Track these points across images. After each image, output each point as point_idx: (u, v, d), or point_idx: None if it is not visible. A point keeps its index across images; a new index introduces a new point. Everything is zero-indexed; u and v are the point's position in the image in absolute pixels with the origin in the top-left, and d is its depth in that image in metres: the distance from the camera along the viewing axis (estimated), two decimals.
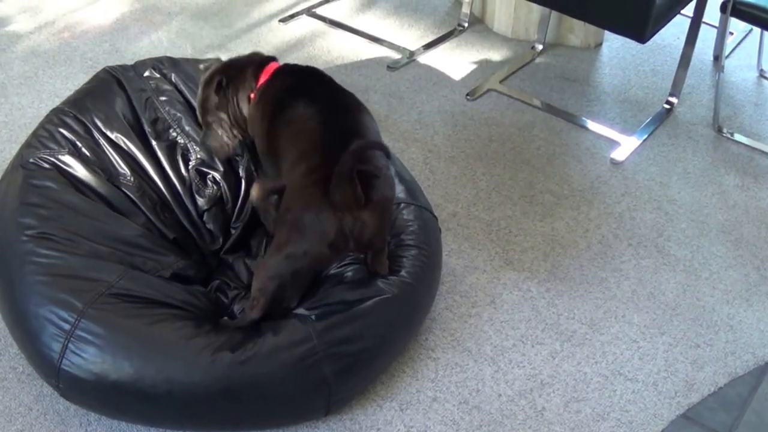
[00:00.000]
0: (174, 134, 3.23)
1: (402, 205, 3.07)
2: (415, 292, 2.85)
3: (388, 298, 2.75)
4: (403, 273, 2.84)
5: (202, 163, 3.18)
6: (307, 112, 2.77)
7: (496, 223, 3.54)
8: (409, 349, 2.98)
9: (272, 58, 3.10)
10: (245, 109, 3.02)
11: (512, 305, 3.18)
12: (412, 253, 2.92)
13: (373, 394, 2.83)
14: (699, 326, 3.14)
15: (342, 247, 2.56)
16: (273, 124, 2.86)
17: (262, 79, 3.00)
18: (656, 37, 4.18)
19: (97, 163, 3.06)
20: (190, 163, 3.18)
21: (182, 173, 3.15)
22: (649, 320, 3.15)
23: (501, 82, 4.47)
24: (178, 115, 3.28)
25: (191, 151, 3.19)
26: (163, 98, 3.31)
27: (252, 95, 3.00)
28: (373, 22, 4.97)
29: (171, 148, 3.21)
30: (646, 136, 4.10)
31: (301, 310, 2.68)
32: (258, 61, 3.07)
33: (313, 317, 2.63)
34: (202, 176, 3.17)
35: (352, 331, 2.64)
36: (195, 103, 3.32)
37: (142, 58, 3.54)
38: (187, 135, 3.23)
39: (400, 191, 3.10)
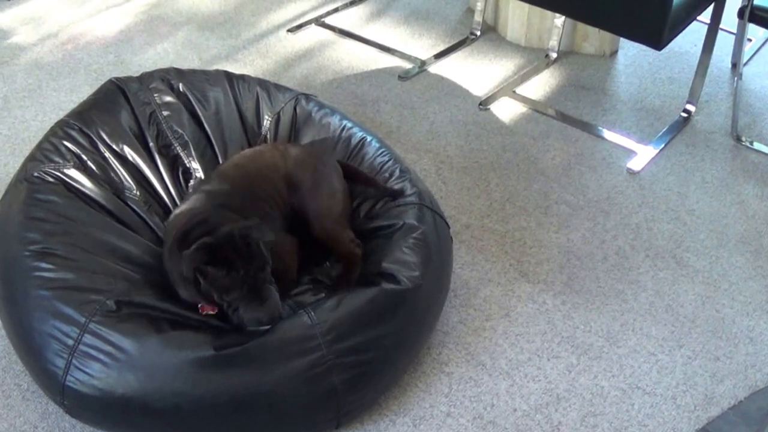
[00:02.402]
0: (175, 152, 3.22)
1: (415, 206, 3.03)
2: (424, 289, 2.79)
3: (396, 292, 2.71)
4: (411, 267, 2.79)
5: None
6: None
7: (511, 235, 3.49)
8: (422, 363, 2.93)
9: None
10: None
11: (527, 318, 3.13)
12: (420, 252, 2.86)
13: (385, 408, 2.79)
14: (718, 339, 3.08)
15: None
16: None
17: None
18: (672, 44, 4.12)
19: (103, 177, 3.05)
20: (191, 182, 3.19)
21: (183, 191, 3.14)
22: (668, 333, 3.09)
23: (514, 91, 4.43)
24: (180, 131, 3.26)
25: (191, 169, 3.19)
26: (167, 113, 3.28)
27: None
28: (384, 31, 4.93)
29: (173, 165, 3.22)
30: (663, 145, 4.04)
31: (308, 319, 2.61)
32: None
33: (321, 326, 2.57)
34: None
35: (361, 339, 2.60)
36: (201, 116, 3.30)
37: (147, 70, 3.51)
38: (189, 154, 3.22)
39: (412, 194, 3.08)
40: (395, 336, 2.70)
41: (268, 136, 3.37)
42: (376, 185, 3.17)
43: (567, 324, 3.11)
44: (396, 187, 3.12)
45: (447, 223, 3.12)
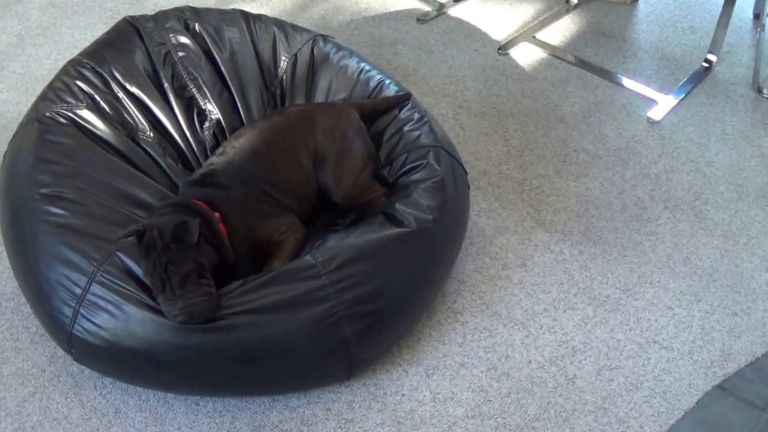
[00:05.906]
0: (190, 93, 3.19)
1: (432, 148, 2.98)
2: (435, 234, 2.76)
3: (407, 233, 2.68)
4: (425, 210, 2.76)
5: (218, 125, 3.19)
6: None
7: (528, 183, 3.45)
8: (436, 312, 2.92)
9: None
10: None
11: (544, 268, 3.10)
12: (436, 196, 2.83)
13: (398, 358, 2.77)
14: (736, 293, 3.05)
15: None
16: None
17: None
18: None
19: (116, 118, 3.02)
20: (206, 124, 3.17)
21: (198, 134, 3.12)
22: (685, 286, 3.06)
23: (534, 36, 4.38)
24: (195, 73, 3.22)
25: (207, 111, 3.18)
26: (182, 53, 3.25)
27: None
28: None
29: (188, 107, 3.19)
30: (683, 95, 3.99)
31: (310, 257, 2.58)
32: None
33: (329, 277, 2.54)
34: (218, 140, 3.18)
35: (371, 288, 2.57)
36: (217, 57, 3.25)
37: (163, 8, 3.45)
38: (204, 95, 3.19)
39: (428, 137, 3.04)
40: (407, 283, 2.67)
41: (285, 78, 3.33)
42: (390, 104, 3.20)
43: (584, 275, 3.08)
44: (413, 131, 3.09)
45: (464, 169, 3.08)
